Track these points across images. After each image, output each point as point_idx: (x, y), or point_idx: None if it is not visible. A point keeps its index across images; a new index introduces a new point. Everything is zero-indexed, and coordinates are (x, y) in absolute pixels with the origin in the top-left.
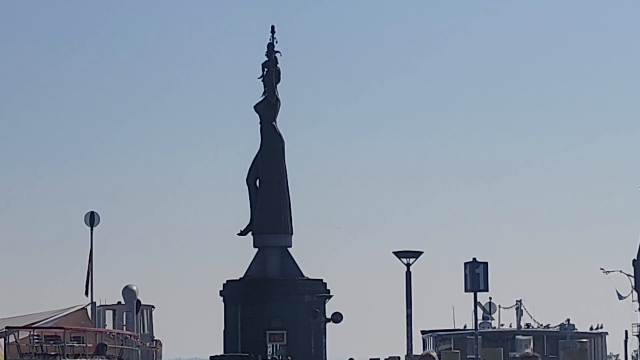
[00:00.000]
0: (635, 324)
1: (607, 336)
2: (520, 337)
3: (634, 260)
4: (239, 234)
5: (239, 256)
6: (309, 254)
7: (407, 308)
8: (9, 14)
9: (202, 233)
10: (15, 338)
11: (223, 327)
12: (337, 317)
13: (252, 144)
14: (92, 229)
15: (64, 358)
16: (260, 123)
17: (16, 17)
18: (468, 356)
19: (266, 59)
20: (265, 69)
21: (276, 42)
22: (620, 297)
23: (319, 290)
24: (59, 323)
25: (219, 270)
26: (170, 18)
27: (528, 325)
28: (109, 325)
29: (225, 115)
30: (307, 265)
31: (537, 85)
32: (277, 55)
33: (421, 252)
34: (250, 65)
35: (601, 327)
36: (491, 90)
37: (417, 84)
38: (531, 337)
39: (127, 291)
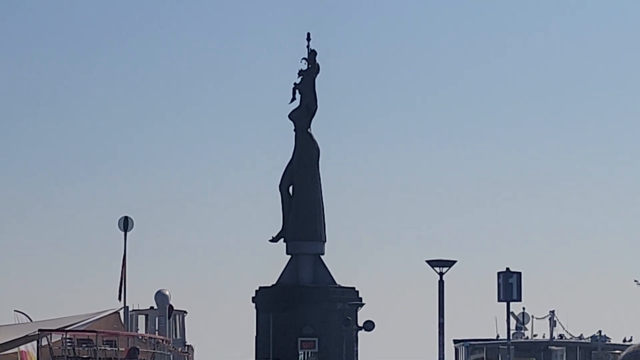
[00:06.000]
0: None
1: None
2: (553, 347)
3: None
4: (270, 241)
5: (271, 263)
6: (342, 261)
7: (439, 317)
8: (38, 26)
9: (234, 239)
10: (48, 341)
11: (255, 334)
12: (369, 325)
13: (285, 150)
14: (125, 234)
15: None
16: (295, 130)
17: (45, 32)
18: None
19: (305, 66)
20: (302, 77)
21: (311, 49)
22: None
23: (351, 298)
24: (92, 327)
25: (252, 277)
26: (202, 24)
27: (561, 336)
28: (142, 330)
29: (257, 122)
30: (339, 273)
31: (574, 98)
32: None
33: (454, 261)
34: (283, 72)
35: (632, 340)
36: (526, 104)
37: (452, 94)
38: (564, 347)
39: (160, 296)
